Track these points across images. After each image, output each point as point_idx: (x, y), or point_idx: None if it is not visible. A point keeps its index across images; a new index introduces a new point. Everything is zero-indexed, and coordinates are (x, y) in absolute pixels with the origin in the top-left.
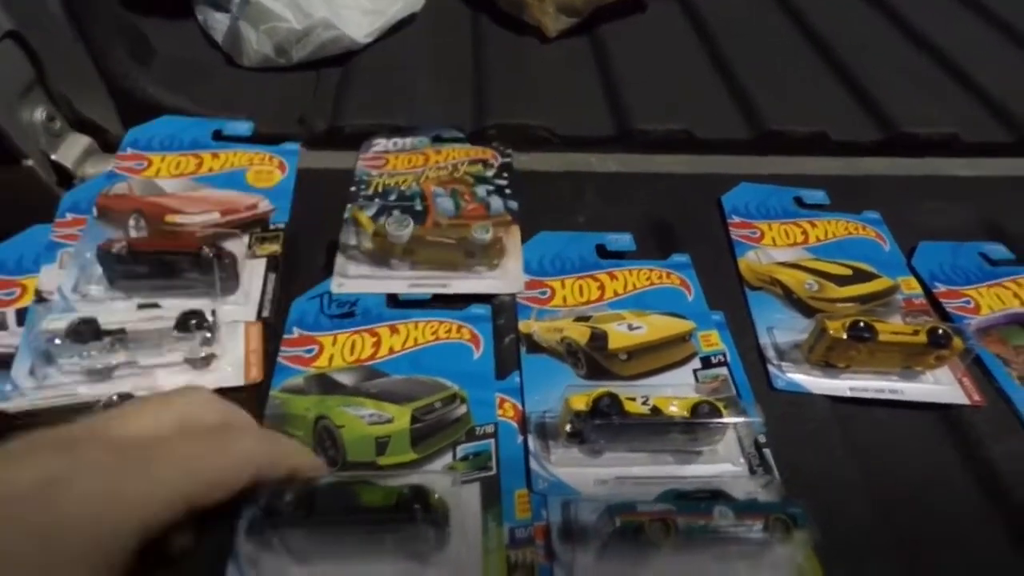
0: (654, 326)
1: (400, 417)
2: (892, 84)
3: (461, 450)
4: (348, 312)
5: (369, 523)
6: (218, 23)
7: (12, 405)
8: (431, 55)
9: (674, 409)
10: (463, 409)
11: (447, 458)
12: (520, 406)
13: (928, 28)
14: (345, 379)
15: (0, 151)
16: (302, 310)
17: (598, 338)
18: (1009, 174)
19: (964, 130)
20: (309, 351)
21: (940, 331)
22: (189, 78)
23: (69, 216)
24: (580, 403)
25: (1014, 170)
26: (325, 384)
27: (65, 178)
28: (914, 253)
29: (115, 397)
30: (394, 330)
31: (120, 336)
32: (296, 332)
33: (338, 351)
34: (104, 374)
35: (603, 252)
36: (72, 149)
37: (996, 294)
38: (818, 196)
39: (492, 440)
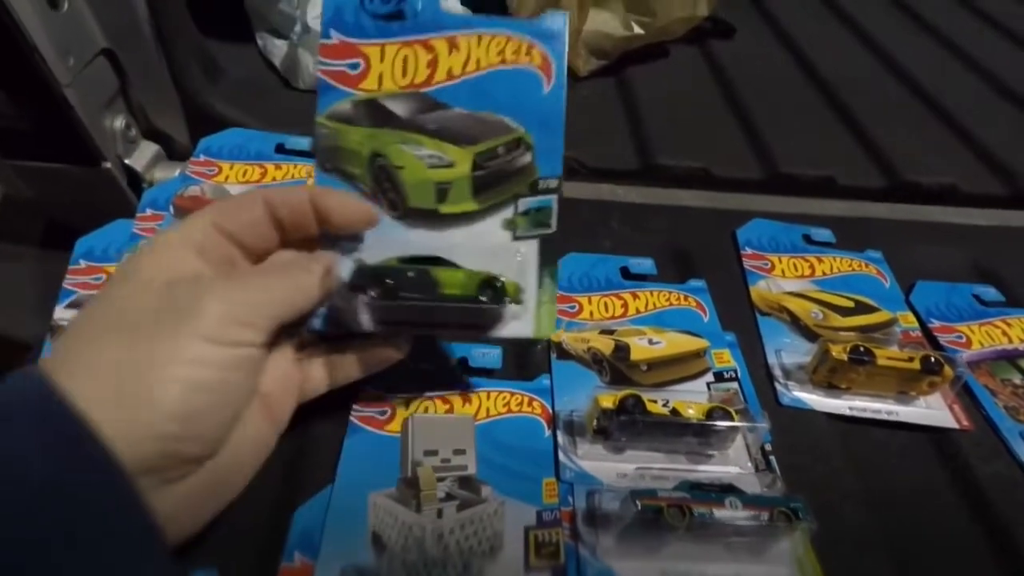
0: (672, 342)
1: (462, 161)
2: (896, 135)
3: (523, 204)
4: (395, 12)
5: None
6: (277, 48)
7: None
8: None
9: (691, 412)
10: (527, 158)
11: (508, 211)
12: (549, 407)
13: (933, 84)
14: (399, 108)
15: (85, 153)
16: (338, 5)
17: (621, 349)
18: (1002, 224)
19: (962, 181)
20: (354, 66)
21: (933, 359)
22: (251, 97)
23: (148, 211)
24: (608, 401)
25: (1006, 220)
26: (377, 113)
27: (135, 181)
28: (912, 290)
29: None
30: (453, 45)
31: None
32: (334, 37)
33: (387, 69)
34: None
35: (627, 274)
36: (143, 155)
37: (987, 332)
38: (825, 235)
39: (554, 196)
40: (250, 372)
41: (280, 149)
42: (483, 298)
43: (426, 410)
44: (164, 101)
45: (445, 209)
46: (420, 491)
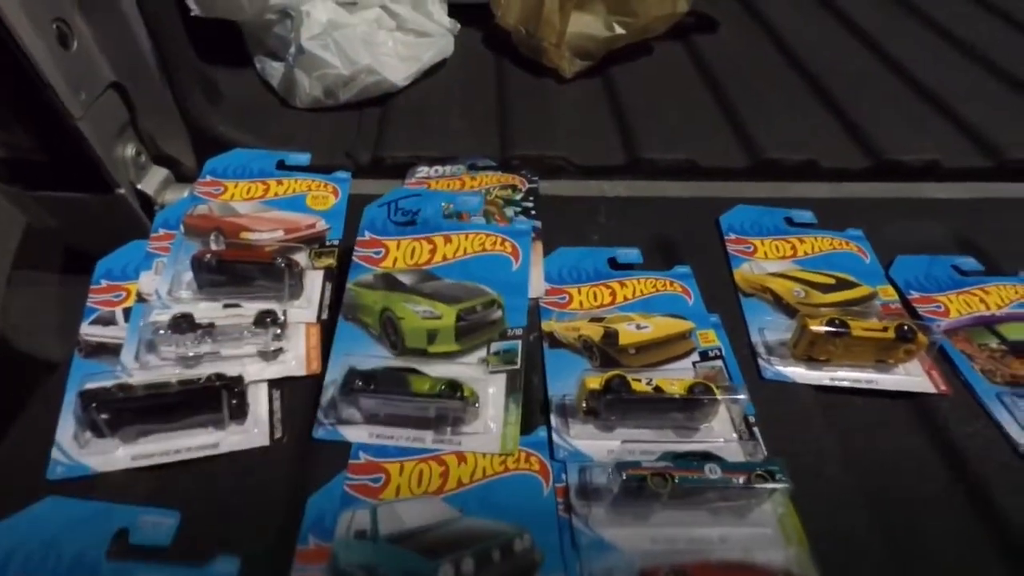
0: (659, 325)
1: (448, 315)
2: (878, 115)
3: (494, 346)
4: (410, 220)
5: (417, 404)
6: (274, 70)
7: (129, 381)
8: (460, 95)
9: (674, 388)
10: (499, 313)
11: (482, 352)
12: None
13: (911, 62)
14: (406, 279)
15: (99, 181)
16: (372, 216)
17: (610, 335)
18: (983, 196)
19: (945, 157)
20: (377, 253)
21: (906, 327)
22: (252, 117)
23: (161, 231)
24: (595, 383)
25: (988, 192)
26: (389, 282)
27: (147, 204)
28: (892, 265)
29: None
30: (447, 239)
31: (209, 329)
32: (367, 235)
33: (401, 254)
34: (194, 361)
35: (614, 264)
36: (153, 179)
37: (965, 300)
38: (806, 216)
39: (519, 341)
40: None
41: (281, 166)
42: (443, 390)
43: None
44: (171, 127)
45: (433, 349)
46: None
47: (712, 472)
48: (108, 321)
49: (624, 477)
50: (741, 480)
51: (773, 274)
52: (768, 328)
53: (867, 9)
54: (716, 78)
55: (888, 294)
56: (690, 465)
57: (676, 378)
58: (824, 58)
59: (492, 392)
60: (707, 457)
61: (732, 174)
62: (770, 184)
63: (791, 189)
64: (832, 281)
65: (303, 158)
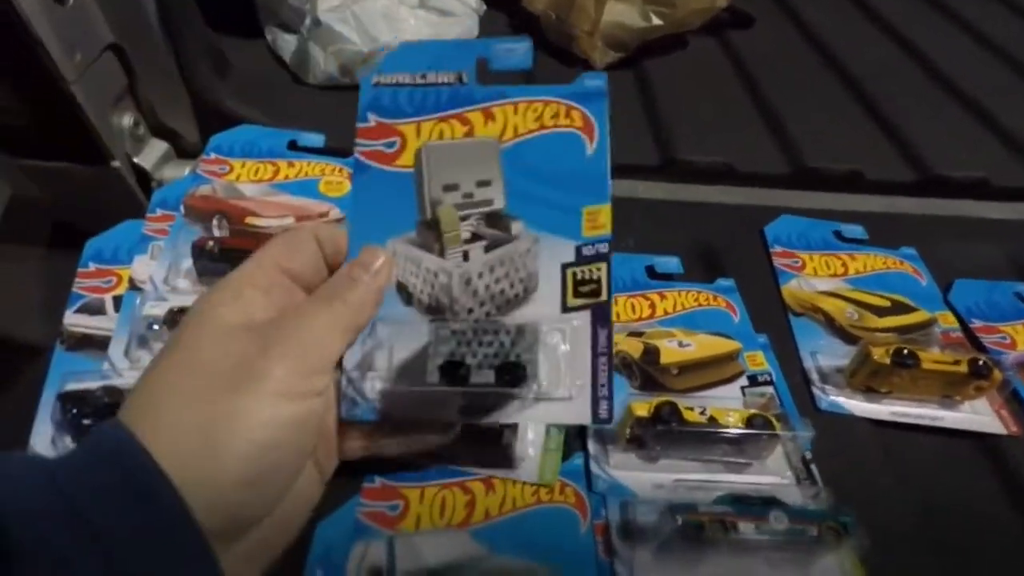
0: (703, 344)
1: None
2: (924, 126)
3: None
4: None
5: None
6: (286, 43)
7: (116, 383)
8: None
9: (731, 419)
10: None
11: None
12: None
13: (958, 73)
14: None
15: (93, 152)
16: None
17: (650, 352)
18: None
19: (993, 175)
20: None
21: (981, 362)
22: (261, 93)
23: (159, 212)
24: (642, 410)
25: None
26: None
27: (144, 179)
28: (950, 289)
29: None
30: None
31: None
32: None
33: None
34: None
35: (652, 273)
36: (152, 154)
37: None
38: (857, 231)
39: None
40: (315, 425)
41: (292, 146)
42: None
43: (441, 135)
44: (173, 98)
45: None
46: (442, 233)
47: (778, 521)
48: (96, 310)
49: (680, 523)
50: (812, 532)
51: (824, 292)
52: (821, 352)
53: (911, 17)
54: (753, 77)
55: (948, 321)
56: (751, 511)
57: (732, 408)
58: (865, 64)
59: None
60: (770, 502)
61: (772, 181)
62: (812, 194)
63: (835, 201)
64: (887, 304)
65: (317, 139)
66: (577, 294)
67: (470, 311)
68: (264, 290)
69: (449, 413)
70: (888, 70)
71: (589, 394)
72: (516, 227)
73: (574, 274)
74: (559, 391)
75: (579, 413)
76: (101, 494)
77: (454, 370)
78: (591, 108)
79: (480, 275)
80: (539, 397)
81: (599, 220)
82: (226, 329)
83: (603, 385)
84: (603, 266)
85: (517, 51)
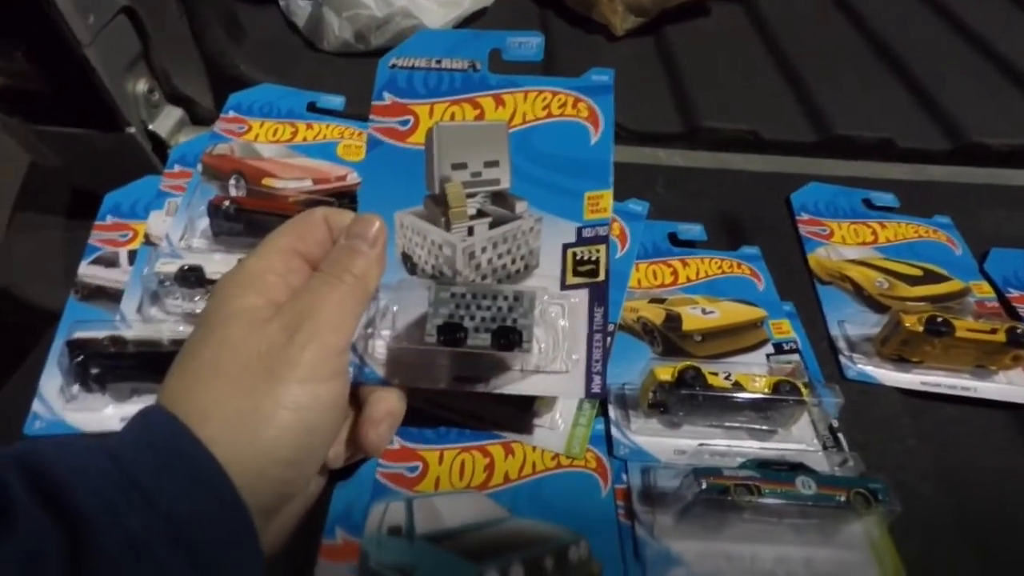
0: (726, 311)
1: None
2: (959, 93)
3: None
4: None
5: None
6: (300, 9)
7: (123, 333)
8: None
9: (757, 385)
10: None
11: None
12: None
13: (992, 37)
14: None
15: (108, 118)
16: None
17: (673, 319)
18: None
19: None
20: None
21: (1020, 330)
22: (275, 58)
23: (177, 168)
24: (665, 374)
25: None
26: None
27: (159, 146)
28: (986, 258)
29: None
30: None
31: None
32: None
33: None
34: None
35: (675, 240)
36: (167, 120)
37: None
38: (887, 199)
39: None
40: (344, 404)
41: (312, 108)
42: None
43: (452, 116)
44: (187, 63)
45: None
46: (449, 208)
47: (806, 487)
48: (110, 262)
49: (704, 486)
50: (840, 498)
51: (852, 261)
52: (849, 321)
53: None
54: (778, 44)
55: (983, 291)
56: (778, 476)
57: (758, 374)
58: (895, 28)
59: None
60: (797, 468)
61: (799, 149)
62: (841, 162)
63: (864, 168)
64: (920, 273)
65: (337, 101)
66: (576, 273)
67: (472, 283)
68: (282, 275)
69: (445, 378)
70: (921, 35)
71: (584, 368)
72: (520, 206)
73: (574, 254)
74: (555, 364)
75: (573, 386)
76: (163, 477)
77: (452, 332)
78: (598, 101)
79: (483, 249)
80: (536, 369)
81: (600, 204)
82: (255, 316)
83: (597, 361)
84: (602, 248)
85: (530, 45)
